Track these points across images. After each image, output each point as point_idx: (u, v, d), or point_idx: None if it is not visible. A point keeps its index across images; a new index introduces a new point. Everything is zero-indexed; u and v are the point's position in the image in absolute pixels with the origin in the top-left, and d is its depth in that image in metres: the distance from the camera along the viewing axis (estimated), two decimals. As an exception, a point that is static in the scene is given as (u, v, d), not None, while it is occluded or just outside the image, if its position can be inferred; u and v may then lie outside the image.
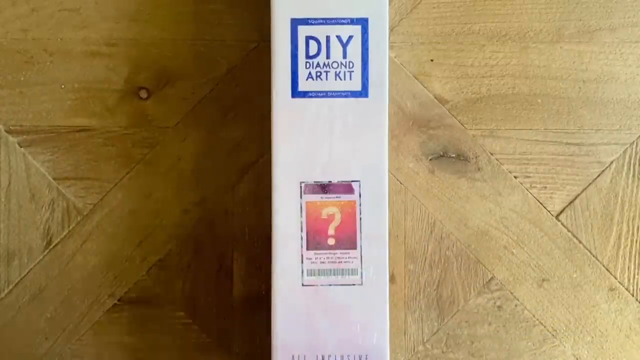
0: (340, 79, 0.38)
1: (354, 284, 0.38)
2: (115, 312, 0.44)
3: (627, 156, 0.44)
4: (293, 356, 0.38)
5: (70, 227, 0.44)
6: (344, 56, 0.38)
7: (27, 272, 0.43)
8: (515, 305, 0.44)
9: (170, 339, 0.43)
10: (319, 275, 0.38)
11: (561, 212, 0.44)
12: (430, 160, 0.44)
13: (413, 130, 0.44)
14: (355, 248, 0.38)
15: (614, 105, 0.44)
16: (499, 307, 0.44)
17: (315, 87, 0.38)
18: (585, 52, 0.44)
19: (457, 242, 0.44)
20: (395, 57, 0.44)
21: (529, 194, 0.44)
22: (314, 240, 0.38)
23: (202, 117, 0.44)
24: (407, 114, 0.44)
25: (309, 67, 0.38)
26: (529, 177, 0.44)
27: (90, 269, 0.43)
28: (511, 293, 0.44)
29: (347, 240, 0.38)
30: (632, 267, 0.44)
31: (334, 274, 0.38)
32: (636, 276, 0.44)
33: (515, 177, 0.44)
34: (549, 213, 0.44)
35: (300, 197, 0.38)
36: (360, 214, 0.38)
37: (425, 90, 0.44)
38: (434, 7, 0.44)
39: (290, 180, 0.38)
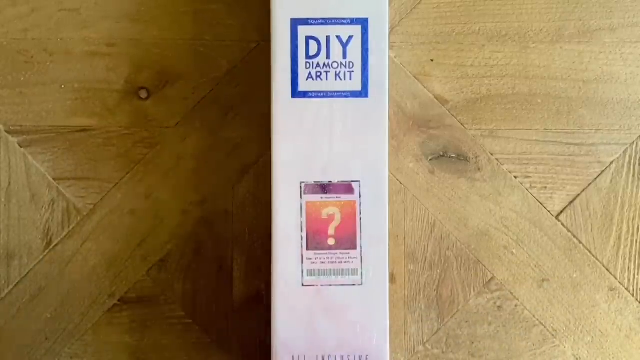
0: (340, 79, 0.38)
1: (354, 284, 0.38)
2: (115, 312, 0.44)
3: (627, 156, 0.44)
4: (293, 356, 0.38)
5: (70, 227, 0.44)
6: (344, 56, 0.38)
7: (27, 272, 0.43)
8: (515, 306, 0.44)
9: (170, 339, 0.43)
10: (319, 275, 0.38)
11: (561, 212, 0.44)
12: (430, 160, 0.44)
13: (413, 131, 0.44)
14: (355, 248, 0.38)
15: (614, 105, 0.44)
16: (499, 307, 0.44)
17: (315, 87, 0.38)
18: (585, 52, 0.44)
19: (457, 242, 0.44)
20: (395, 57, 0.44)
21: (529, 194, 0.44)
22: (314, 240, 0.38)
23: (202, 117, 0.44)
24: (407, 114, 0.44)
25: (309, 67, 0.38)
26: (529, 177, 0.44)
27: (90, 269, 0.43)
28: (511, 293, 0.44)
29: (347, 240, 0.38)
30: (632, 267, 0.44)
31: (334, 274, 0.38)
32: (636, 276, 0.44)
33: (515, 177, 0.44)
34: (549, 213, 0.44)
35: (300, 197, 0.38)
36: (360, 214, 0.38)
37: (425, 90, 0.44)
38: (434, 7, 0.44)
39: (290, 180, 0.38)
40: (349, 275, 0.38)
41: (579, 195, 0.44)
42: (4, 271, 0.43)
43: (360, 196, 0.38)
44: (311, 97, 0.38)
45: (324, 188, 0.38)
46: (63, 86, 0.43)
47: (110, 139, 0.44)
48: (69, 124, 0.44)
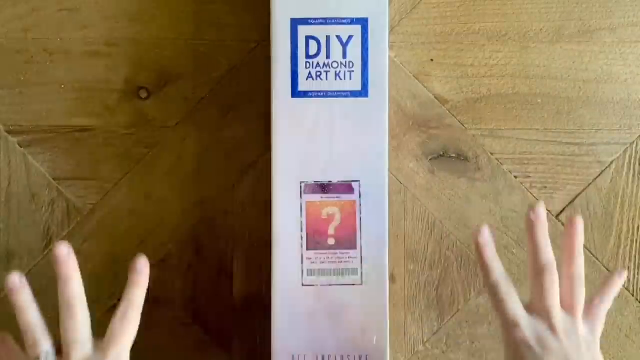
0: (340, 79, 0.38)
1: (354, 284, 0.38)
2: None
3: (627, 156, 0.44)
4: (293, 356, 0.38)
5: (70, 227, 0.44)
6: (344, 56, 0.38)
7: (27, 272, 0.43)
8: (515, 305, 0.44)
9: (170, 339, 0.43)
10: (319, 275, 0.38)
11: (561, 212, 0.44)
12: (430, 160, 0.44)
13: (413, 130, 0.44)
14: (355, 248, 0.38)
15: (614, 105, 0.44)
16: (499, 307, 0.44)
17: (315, 87, 0.38)
18: (585, 52, 0.44)
19: (457, 242, 0.44)
20: (395, 57, 0.44)
21: (529, 194, 0.44)
22: (314, 240, 0.38)
23: (202, 117, 0.44)
24: (407, 114, 0.44)
25: (309, 67, 0.38)
26: (529, 177, 0.44)
27: (90, 269, 0.43)
28: (511, 293, 0.44)
29: (347, 240, 0.38)
30: (632, 267, 0.44)
31: (334, 274, 0.38)
32: (636, 276, 0.44)
33: (515, 177, 0.44)
34: (549, 213, 0.44)
35: (300, 197, 0.38)
36: (360, 214, 0.38)
37: (425, 90, 0.44)
38: (434, 7, 0.44)
39: (290, 180, 0.38)
40: (349, 275, 0.38)
41: (579, 195, 0.44)
42: (4, 271, 0.43)
43: (360, 196, 0.38)
44: (311, 97, 0.38)
45: (323, 188, 0.38)
46: (63, 86, 0.43)
47: (110, 139, 0.44)
48: (69, 124, 0.43)
